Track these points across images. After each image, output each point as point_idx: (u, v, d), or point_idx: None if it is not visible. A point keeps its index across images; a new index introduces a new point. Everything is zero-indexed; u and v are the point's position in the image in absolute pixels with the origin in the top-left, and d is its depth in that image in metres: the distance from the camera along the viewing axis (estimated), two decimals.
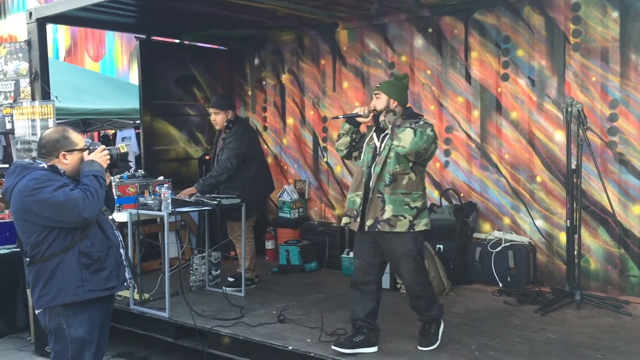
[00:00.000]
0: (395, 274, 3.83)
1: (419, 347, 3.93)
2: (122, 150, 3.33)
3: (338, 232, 6.47)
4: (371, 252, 3.93)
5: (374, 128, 4.02)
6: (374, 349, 3.89)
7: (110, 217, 3.26)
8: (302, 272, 6.26)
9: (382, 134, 3.91)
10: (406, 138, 3.68)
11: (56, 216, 2.94)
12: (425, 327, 4.00)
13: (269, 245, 6.88)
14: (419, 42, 6.12)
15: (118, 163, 3.31)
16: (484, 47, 5.69)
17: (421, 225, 3.83)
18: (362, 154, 3.99)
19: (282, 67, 7.25)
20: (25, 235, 3.02)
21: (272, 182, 6.07)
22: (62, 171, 3.07)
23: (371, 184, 3.84)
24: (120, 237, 3.25)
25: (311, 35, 6.91)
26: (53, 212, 2.93)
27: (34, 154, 5.35)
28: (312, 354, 3.89)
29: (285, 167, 7.30)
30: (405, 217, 3.76)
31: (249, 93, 7.60)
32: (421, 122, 3.84)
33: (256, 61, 7.51)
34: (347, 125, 4.04)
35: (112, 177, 3.44)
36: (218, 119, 5.60)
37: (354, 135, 4.05)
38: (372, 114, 3.97)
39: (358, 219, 3.90)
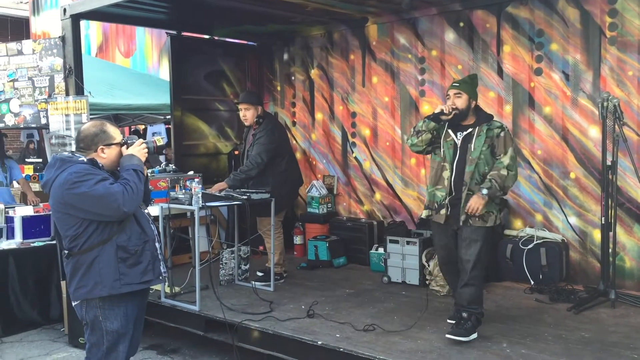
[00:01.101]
0: (461, 256, 4.13)
1: (447, 335, 3.95)
2: (158, 143, 3.37)
3: (366, 228, 6.45)
4: (450, 239, 4.23)
5: (447, 124, 4.18)
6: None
7: (145, 210, 3.30)
8: (331, 267, 6.26)
9: (464, 132, 4.14)
10: (510, 182, 4.10)
11: (96, 209, 2.98)
12: (462, 320, 4.03)
13: (298, 240, 6.90)
14: (450, 36, 6.05)
15: (148, 157, 3.35)
16: (517, 41, 5.60)
17: (498, 219, 4.20)
18: (441, 150, 4.19)
19: (311, 63, 7.24)
20: (64, 228, 3.07)
21: (301, 177, 6.07)
22: (100, 165, 3.12)
23: (464, 180, 4.08)
24: (156, 231, 3.29)
25: (340, 30, 6.89)
26: (93, 206, 2.97)
27: (68, 148, 5.45)
28: (341, 349, 3.88)
29: (314, 163, 7.30)
30: (493, 213, 4.10)
31: (278, 88, 7.61)
32: (501, 134, 4.11)
33: (285, 56, 7.52)
34: (432, 124, 4.16)
35: (148, 171, 3.48)
36: (248, 114, 5.60)
37: (434, 133, 4.20)
38: (454, 112, 4.12)
39: (442, 211, 4.15)
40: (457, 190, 4.12)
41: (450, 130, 4.19)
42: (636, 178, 4.70)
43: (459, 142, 4.14)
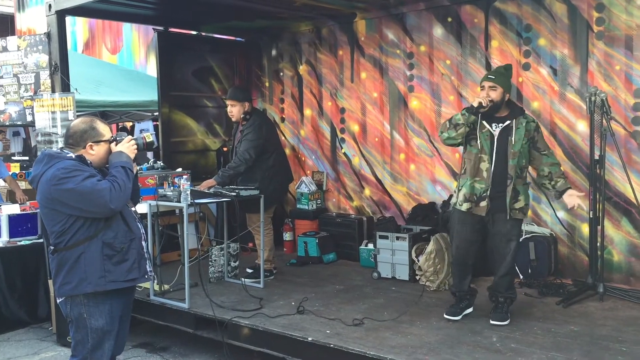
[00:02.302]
0: (500, 251, 4.31)
1: (492, 322, 4.20)
2: (147, 140, 3.35)
3: (356, 224, 6.44)
4: (475, 233, 4.32)
5: (480, 115, 4.21)
6: (471, 309, 4.43)
7: (133, 208, 3.27)
8: (320, 263, 6.25)
9: (500, 124, 4.19)
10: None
11: (83, 206, 2.96)
12: (500, 305, 4.29)
13: (287, 236, 6.88)
14: (438, 31, 6.05)
15: (137, 154, 3.32)
16: (505, 36, 5.61)
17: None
18: (478, 141, 4.21)
19: (300, 58, 7.22)
20: (51, 224, 3.05)
21: (290, 173, 6.05)
22: (89, 162, 3.10)
23: (509, 174, 4.15)
24: (143, 229, 3.27)
25: (329, 26, 6.87)
26: (80, 202, 2.95)
27: (54, 145, 5.40)
28: (331, 345, 3.88)
29: (303, 159, 7.28)
30: (528, 205, 4.30)
31: (267, 84, 7.58)
32: (539, 129, 4.30)
33: (273, 52, 7.49)
34: (473, 117, 4.18)
35: (137, 168, 3.46)
36: (234, 110, 5.58)
37: (472, 126, 4.23)
38: (489, 105, 4.17)
39: (482, 204, 4.21)
40: (498, 182, 4.15)
41: (484, 122, 4.20)
42: (624, 172, 4.73)
43: (496, 134, 4.17)
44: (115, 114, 8.74)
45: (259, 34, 7.39)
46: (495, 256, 4.35)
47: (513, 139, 4.13)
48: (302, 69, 7.20)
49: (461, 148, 4.43)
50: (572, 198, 4.20)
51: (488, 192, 4.17)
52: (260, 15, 6.46)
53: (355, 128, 6.77)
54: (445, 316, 4.33)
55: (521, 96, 5.56)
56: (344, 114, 6.86)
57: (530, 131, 4.19)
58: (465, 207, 4.26)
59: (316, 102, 7.11)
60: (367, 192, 6.74)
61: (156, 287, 5.14)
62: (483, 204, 4.19)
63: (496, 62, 5.65)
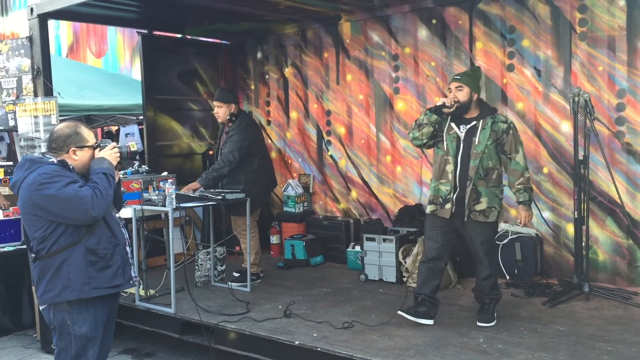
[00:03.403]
0: (477, 255, 4.29)
1: (478, 323, 4.17)
2: (132, 149, 3.33)
3: (343, 226, 6.44)
4: (446, 236, 4.26)
5: (449, 117, 4.18)
6: (431, 322, 4.21)
7: (117, 214, 3.24)
8: (308, 266, 6.23)
9: (467, 125, 4.14)
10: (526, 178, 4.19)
11: (63, 212, 2.92)
12: (485, 306, 4.27)
13: (274, 239, 6.86)
14: (423, 33, 6.06)
15: (121, 162, 3.30)
16: (489, 38, 5.63)
17: (501, 215, 4.29)
18: (444, 143, 4.18)
19: (285, 61, 7.21)
20: (32, 230, 3.01)
21: (274, 176, 6.03)
22: (71, 167, 3.06)
23: (469, 175, 4.10)
24: (127, 234, 3.24)
25: (314, 28, 6.86)
26: (60, 208, 2.91)
27: (37, 150, 5.34)
28: (318, 349, 3.86)
29: (290, 161, 7.26)
30: (495, 208, 4.17)
31: (252, 87, 7.56)
32: (510, 131, 4.15)
33: (259, 55, 7.47)
34: (435, 116, 4.15)
35: (120, 173, 3.43)
36: (220, 112, 5.56)
37: (436, 126, 4.20)
38: (456, 105, 4.13)
39: (447, 206, 4.16)
40: (463, 185, 4.12)
41: (452, 124, 4.18)
42: (608, 172, 4.76)
43: (462, 135, 4.14)
44: (100, 118, 8.67)
45: (244, 36, 7.37)
46: (475, 259, 4.34)
47: (477, 139, 4.08)
48: (288, 71, 7.19)
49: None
50: (522, 215, 4.21)
51: (452, 194, 4.13)
52: (245, 18, 6.44)
53: (342, 130, 6.77)
54: (399, 312, 4.25)
55: (506, 97, 5.58)
56: (330, 117, 6.85)
57: (498, 132, 4.10)
58: (430, 209, 4.25)
59: (302, 105, 7.10)
60: (353, 194, 6.74)
61: (142, 292, 5.09)
62: (447, 206, 4.14)
63: (481, 63, 5.67)
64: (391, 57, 6.30)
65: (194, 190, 5.25)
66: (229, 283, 5.32)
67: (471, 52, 5.75)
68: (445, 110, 4.12)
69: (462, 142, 4.13)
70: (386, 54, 6.34)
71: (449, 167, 4.15)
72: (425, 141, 4.22)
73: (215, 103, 5.62)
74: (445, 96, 4.23)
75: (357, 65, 6.58)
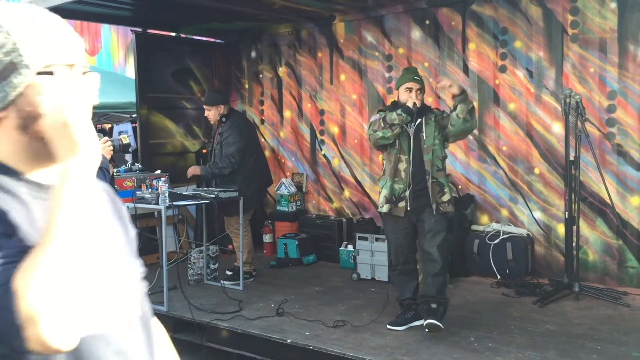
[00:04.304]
0: (426, 248, 4.15)
1: (427, 329, 3.99)
2: (124, 142, 3.35)
3: (336, 225, 6.46)
4: (409, 237, 4.22)
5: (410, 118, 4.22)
6: (422, 322, 4.08)
7: None
8: (300, 265, 6.25)
9: (414, 124, 4.17)
10: (474, 121, 4.11)
11: None
12: (433, 308, 4.04)
13: (267, 238, 6.87)
14: (416, 34, 6.09)
15: (114, 156, 3.31)
16: (482, 39, 5.67)
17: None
18: (397, 142, 4.20)
19: (279, 60, 7.22)
20: None
21: (270, 175, 6.05)
22: None
23: (426, 169, 4.11)
24: None
25: (308, 28, 6.88)
26: None
27: None
28: (310, 347, 3.88)
29: (283, 160, 7.28)
30: (453, 197, 4.23)
31: (246, 86, 7.57)
32: (444, 114, 4.25)
33: (253, 54, 7.48)
34: (408, 117, 4.15)
35: (114, 170, 3.45)
36: (210, 114, 5.62)
37: (405, 127, 4.23)
38: (417, 107, 4.18)
39: (400, 204, 4.16)
40: (417, 181, 4.13)
41: (414, 124, 4.22)
42: (598, 173, 4.80)
43: (412, 134, 4.17)
44: (94, 116, 8.63)
45: (239, 35, 7.38)
46: (423, 256, 4.19)
47: (424, 134, 4.13)
48: (282, 70, 7.20)
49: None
50: (444, 82, 4.09)
51: (406, 192, 4.14)
52: (239, 17, 6.45)
53: (335, 130, 6.79)
54: (388, 326, 4.17)
55: (498, 98, 5.62)
56: (324, 116, 6.87)
57: (439, 121, 4.17)
58: (385, 208, 4.21)
59: (296, 104, 7.12)
60: (346, 193, 6.76)
61: None
62: (402, 204, 4.15)
63: (473, 64, 5.71)
64: (384, 57, 6.32)
65: (194, 175, 5.37)
66: (222, 282, 5.33)
67: (464, 53, 5.79)
68: (415, 109, 4.16)
69: (412, 140, 4.15)
70: (380, 54, 6.36)
71: (402, 166, 4.17)
72: (392, 141, 4.21)
73: (204, 107, 5.67)
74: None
75: (350, 65, 6.60)
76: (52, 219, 0.91)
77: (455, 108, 4.04)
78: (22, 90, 1.01)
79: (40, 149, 1.04)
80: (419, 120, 4.16)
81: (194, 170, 5.44)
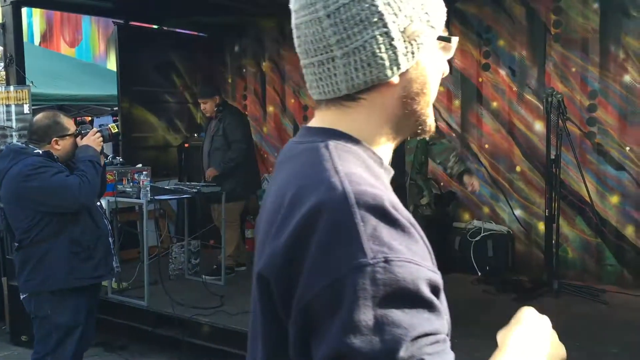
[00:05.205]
0: None
1: None
2: (113, 131, 3.33)
3: None
4: None
5: None
6: None
7: (98, 203, 3.25)
8: None
9: None
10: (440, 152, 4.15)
11: (53, 202, 2.95)
12: None
13: (249, 234, 6.83)
14: None
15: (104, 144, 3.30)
16: (466, 37, 5.69)
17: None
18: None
19: (263, 55, 7.18)
20: (17, 220, 3.02)
21: (257, 168, 6.14)
22: (55, 157, 3.06)
23: (405, 170, 4.09)
24: (110, 226, 3.26)
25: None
26: (49, 198, 2.94)
27: (9, 140, 5.25)
28: None
29: (266, 156, 7.25)
30: (434, 198, 4.27)
31: (229, 81, 7.52)
32: None
33: (236, 48, 7.43)
34: None
35: (105, 160, 3.43)
36: (207, 107, 5.63)
37: None
38: None
39: None
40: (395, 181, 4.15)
41: None
42: (578, 172, 4.85)
43: None
44: (74, 108, 8.53)
45: (223, 29, 7.33)
46: None
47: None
48: (266, 65, 7.17)
49: None
50: (472, 181, 4.22)
51: None
52: (223, 11, 6.40)
53: None
54: None
55: (481, 96, 5.65)
56: (307, 112, 6.85)
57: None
58: None
59: (279, 99, 7.09)
60: None
61: (114, 285, 5.05)
62: None
63: (457, 62, 5.73)
64: None
65: (210, 176, 5.41)
66: (203, 276, 5.30)
67: None
68: None
69: None
70: None
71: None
72: None
73: (200, 100, 5.70)
74: None
75: None
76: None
77: (456, 175, 4.24)
78: (419, 56, 0.90)
79: (401, 124, 0.94)
80: None
81: (212, 172, 5.43)
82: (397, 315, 0.73)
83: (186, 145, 6.94)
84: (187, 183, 5.30)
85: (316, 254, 0.76)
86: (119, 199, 4.89)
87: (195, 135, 7.10)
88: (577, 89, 5.16)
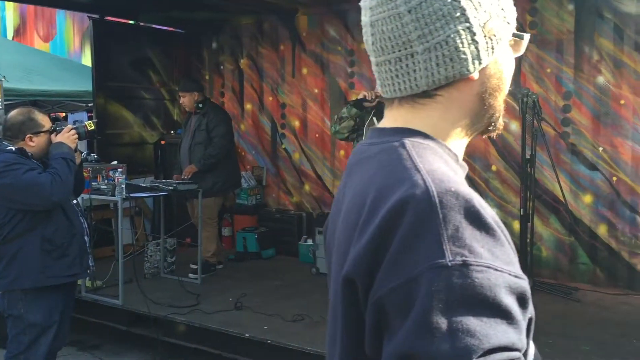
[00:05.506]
0: None
1: None
2: (89, 128, 3.28)
3: (295, 219, 6.45)
4: None
5: (373, 112, 4.13)
6: None
7: (74, 201, 3.21)
8: (259, 259, 6.22)
9: (375, 120, 4.07)
10: None
11: (24, 199, 2.91)
12: None
13: (226, 232, 6.80)
14: None
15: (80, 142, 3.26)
16: None
17: None
18: (364, 137, 4.03)
19: (241, 52, 7.14)
20: None
21: (237, 167, 6.12)
22: (29, 154, 3.02)
23: None
24: (85, 224, 3.22)
25: (271, 20, 6.82)
26: (21, 196, 2.90)
27: None
28: (269, 341, 3.86)
29: (243, 154, 7.21)
30: None
31: (207, 77, 7.46)
32: None
33: (214, 45, 7.38)
34: (355, 110, 4.10)
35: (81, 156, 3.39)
36: (185, 101, 5.60)
37: (357, 119, 4.15)
38: (377, 100, 4.07)
39: None
40: None
41: (375, 119, 4.16)
42: (553, 171, 4.92)
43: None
44: (47, 104, 8.40)
45: (200, 25, 7.27)
46: None
47: None
48: (243, 62, 7.13)
49: None
50: None
51: None
52: (201, 7, 6.35)
53: (296, 124, 6.77)
54: None
55: None
56: (285, 109, 6.84)
57: None
58: None
59: (257, 97, 7.06)
60: (307, 187, 6.75)
61: (88, 284, 4.98)
62: None
63: None
64: (347, 52, 6.33)
65: (189, 172, 5.33)
66: (190, 275, 5.29)
67: None
68: (367, 104, 4.10)
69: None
70: (342, 48, 6.36)
71: None
72: (346, 134, 4.20)
73: (180, 93, 5.68)
74: None
75: (313, 59, 6.58)
76: None
77: None
78: (498, 51, 0.90)
79: (476, 120, 0.93)
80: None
81: (191, 169, 5.37)
82: (472, 323, 0.70)
83: (162, 142, 6.88)
84: (164, 180, 5.25)
85: (395, 251, 0.75)
86: (93, 196, 4.83)
87: (172, 132, 7.04)
88: (552, 90, 5.23)
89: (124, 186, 4.69)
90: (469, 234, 0.74)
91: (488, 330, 0.70)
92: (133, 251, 5.01)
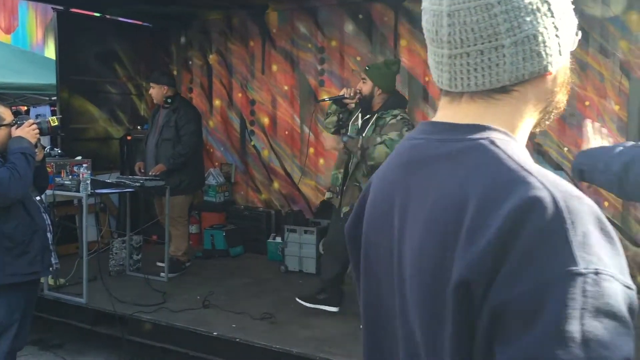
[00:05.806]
0: (330, 247, 4.24)
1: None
2: (53, 124, 3.19)
3: (264, 217, 6.41)
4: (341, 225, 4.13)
5: (359, 108, 4.11)
6: (335, 309, 4.19)
7: (37, 197, 3.11)
8: (227, 256, 6.16)
9: (366, 116, 4.04)
10: (381, 155, 3.72)
11: None
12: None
13: (193, 229, 6.72)
14: (349, 27, 6.11)
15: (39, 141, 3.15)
16: (413, 36, 5.75)
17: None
18: (348, 133, 4.10)
19: (210, 47, 7.06)
20: None
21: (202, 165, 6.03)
22: None
23: (350, 169, 4.00)
24: (49, 220, 3.12)
25: (240, 16, 6.76)
26: None
27: None
28: (237, 340, 3.83)
29: (212, 150, 7.14)
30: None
31: (175, 72, 7.35)
32: (390, 121, 3.89)
33: (182, 40, 7.28)
34: (334, 106, 4.10)
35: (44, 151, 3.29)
36: (153, 92, 5.49)
37: (340, 115, 4.15)
38: (357, 97, 4.05)
39: (339, 197, 4.09)
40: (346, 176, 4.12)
41: (360, 115, 4.14)
42: None
43: (354, 130, 4.09)
44: (9, 97, 8.17)
45: (168, 20, 7.16)
46: (339, 249, 3.97)
47: (365, 133, 3.96)
48: (212, 58, 7.05)
49: None
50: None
51: (343, 185, 4.08)
52: (170, 1, 6.25)
53: (266, 121, 6.72)
54: (297, 299, 4.28)
55: (427, 95, 5.73)
56: (254, 106, 6.79)
57: (382, 127, 3.91)
58: (327, 195, 4.24)
59: (226, 93, 6.99)
60: (276, 185, 6.72)
61: (51, 282, 4.86)
62: (336, 197, 4.10)
63: (405, 61, 5.78)
64: (317, 49, 6.31)
65: (158, 171, 5.21)
66: (168, 275, 5.20)
67: (395, 49, 5.86)
68: (347, 101, 4.08)
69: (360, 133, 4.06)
70: (312, 46, 6.34)
71: (344, 157, 4.10)
72: (332, 129, 4.20)
73: (151, 84, 5.56)
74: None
75: (283, 55, 6.54)
76: None
77: None
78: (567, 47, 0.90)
79: (543, 115, 0.95)
80: (368, 117, 4.03)
81: (160, 168, 5.25)
82: (603, 333, 0.69)
83: (129, 137, 6.76)
84: (130, 176, 5.15)
85: (519, 257, 0.72)
86: (57, 192, 4.71)
87: (139, 127, 6.92)
88: None
89: (89, 182, 4.59)
90: (596, 241, 0.73)
91: (618, 342, 0.70)
92: (98, 248, 4.91)
